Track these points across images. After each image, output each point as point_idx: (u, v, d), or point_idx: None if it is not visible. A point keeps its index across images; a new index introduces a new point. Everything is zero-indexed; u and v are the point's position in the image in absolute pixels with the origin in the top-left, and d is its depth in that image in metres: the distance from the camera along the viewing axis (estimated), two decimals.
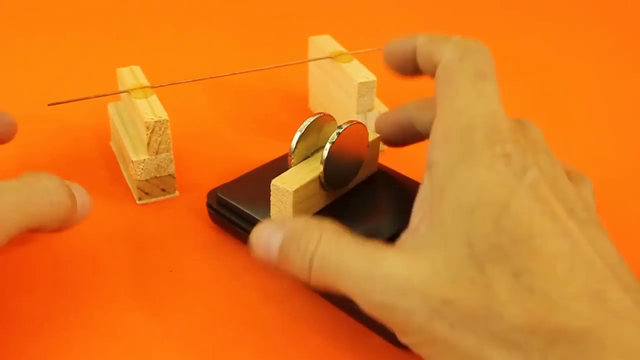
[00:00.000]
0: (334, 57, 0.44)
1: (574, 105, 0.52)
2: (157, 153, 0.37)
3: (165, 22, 0.65)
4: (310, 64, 0.47)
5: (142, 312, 0.32)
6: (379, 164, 0.37)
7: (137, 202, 0.39)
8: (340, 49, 0.45)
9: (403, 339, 0.25)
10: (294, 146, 0.32)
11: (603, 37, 0.65)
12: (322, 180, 0.32)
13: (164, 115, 0.37)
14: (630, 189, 0.42)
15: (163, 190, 0.39)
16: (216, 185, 0.36)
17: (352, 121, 0.33)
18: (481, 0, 0.72)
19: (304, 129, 0.32)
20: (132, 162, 0.37)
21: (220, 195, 0.35)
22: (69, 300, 0.32)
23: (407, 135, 0.34)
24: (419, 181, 0.29)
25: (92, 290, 0.33)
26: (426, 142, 0.28)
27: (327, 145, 0.32)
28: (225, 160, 0.43)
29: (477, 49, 0.28)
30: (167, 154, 0.38)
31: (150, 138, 0.37)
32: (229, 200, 0.35)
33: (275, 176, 0.32)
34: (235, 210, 0.35)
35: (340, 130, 0.32)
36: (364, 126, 0.33)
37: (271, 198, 0.32)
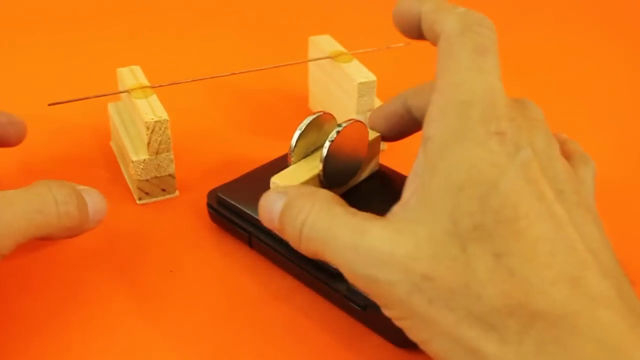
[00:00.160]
0: (334, 57, 0.44)
1: (574, 105, 0.52)
2: (157, 153, 0.37)
3: (165, 22, 0.65)
4: (310, 64, 0.47)
5: (142, 312, 0.32)
6: (380, 163, 0.37)
7: (137, 202, 0.39)
8: (340, 49, 0.45)
9: (385, 311, 0.25)
10: (293, 144, 0.32)
11: (603, 37, 0.65)
12: (322, 178, 0.32)
13: (164, 115, 0.37)
14: (631, 189, 0.42)
15: (163, 190, 0.39)
16: (216, 185, 0.36)
17: (352, 120, 0.33)
18: (481, 0, 0.72)
19: (304, 127, 0.32)
20: (132, 162, 0.37)
21: (220, 195, 0.35)
22: (69, 300, 0.32)
23: (405, 124, 0.34)
24: None
25: (92, 290, 0.33)
26: None
27: (327, 144, 0.32)
28: (225, 160, 0.43)
29: (481, 23, 0.27)
30: (167, 154, 0.38)
31: (150, 138, 0.37)
32: (229, 200, 0.35)
33: None
34: (235, 210, 0.35)
35: (340, 129, 0.32)
36: (364, 125, 0.33)
37: None
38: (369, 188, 0.36)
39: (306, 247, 0.27)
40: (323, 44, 0.45)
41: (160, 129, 0.37)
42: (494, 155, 0.24)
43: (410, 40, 0.31)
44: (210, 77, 0.42)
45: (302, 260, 0.31)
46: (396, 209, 0.26)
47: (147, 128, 0.36)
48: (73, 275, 0.33)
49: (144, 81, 0.40)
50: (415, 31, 0.30)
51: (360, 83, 0.41)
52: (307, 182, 0.32)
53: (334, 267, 0.26)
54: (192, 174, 0.41)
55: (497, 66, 0.26)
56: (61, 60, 0.57)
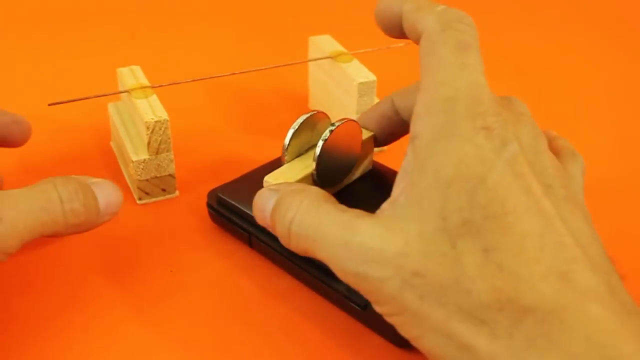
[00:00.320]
0: (334, 57, 0.44)
1: (573, 105, 0.52)
2: (157, 153, 0.37)
3: (165, 22, 0.65)
4: (310, 64, 0.47)
5: (141, 312, 0.32)
6: (374, 161, 0.37)
7: (137, 202, 0.39)
8: (340, 49, 0.45)
9: (377, 307, 0.25)
10: (287, 143, 0.32)
11: (603, 37, 0.65)
12: (315, 177, 0.32)
13: (164, 115, 0.37)
14: (630, 189, 0.42)
15: (163, 190, 0.39)
16: (216, 185, 0.36)
17: (345, 119, 0.33)
18: (481, 0, 0.72)
19: (297, 126, 0.32)
20: (133, 162, 0.37)
21: (220, 195, 0.35)
22: (69, 300, 0.32)
23: (394, 126, 0.34)
24: None
25: (91, 290, 0.33)
26: None
27: (320, 143, 0.32)
28: (226, 160, 0.43)
29: (461, 20, 0.27)
30: (167, 153, 0.38)
31: (150, 138, 0.37)
32: (229, 200, 0.35)
33: None
34: (235, 210, 0.35)
35: (333, 128, 0.32)
36: (358, 124, 0.33)
37: None
38: (363, 186, 0.35)
39: (296, 245, 0.27)
40: (323, 44, 0.45)
41: (160, 129, 0.37)
42: (481, 150, 0.24)
43: (410, 40, 0.31)
44: (210, 77, 0.42)
45: (301, 260, 0.31)
46: (385, 206, 0.26)
47: (147, 128, 0.36)
48: (73, 275, 0.33)
49: (144, 81, 0.40)
50: (397, 30, 0.30)
51: (360, 83, 0.41)
52: (300, 181, 0.32)
53: (324, 263, 0.26)
54: (192, 174, 0.41)
55: (480, 62, 0.27)
56: (61, 60, 0.57)
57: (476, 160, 0.24)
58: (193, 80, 0.41)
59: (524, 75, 0.56)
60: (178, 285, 0.33)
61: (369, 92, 0.42)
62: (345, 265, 0.25)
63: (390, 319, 0.25)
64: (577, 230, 0.24)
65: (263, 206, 0.29)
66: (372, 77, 0.42)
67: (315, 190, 0.28)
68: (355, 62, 0.43)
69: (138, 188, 0.38)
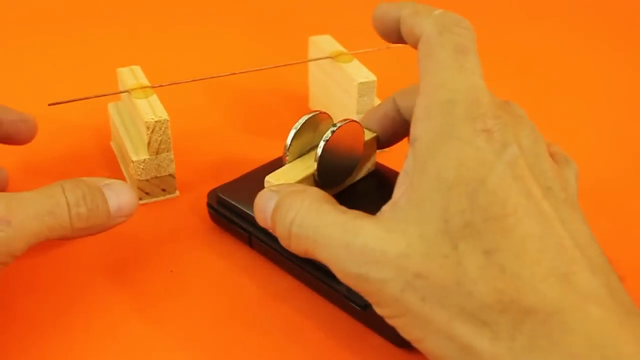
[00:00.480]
0: (334, 57, 0.44)
1: (573, 107, 0.52)
2: (157, 153, 0.37)
3: (165, 22, 0.65)
4: (311, 64, 0.47)
5: (142, 312, 0.32)
6: (377, 162, 0.37)
7: (138, 202, 0.39)
8: (340, 49, 0.45)
9: (378, 309, 0.25)
10: (288, 143, 0.32)
11: (603, 37, 0.65)
12: (316, 177, 0.32)
13: (164, 115, 0.37)
14: (630, 190, 0.42)
15: (163, 190, 0.39)
16: (216, 185, 0.36)
17: (347, 119, 0.33)
18: (481, 0, 0.72)
19: (299, 126, 0.32)
20: (133, 162, 0.37)
21: (220, 195, 0.35)
22: (69, 301, 0.32)
23: (397, 126, 0.34)
24: None
25: (92, 290, 0.33)
26: None
27: (321, 143, 0.32)
28: (226, 160, 0.43)
29: (458, 23, 0.27)
30: (167, 153, 0.38)
31: (150, 138, 0.37)
32: (229, 200, 0.35)
33: None
34: (235, 210, 0.35)
35: (335, 128, 0.32)
36: (360, 125, 0.33)
37: None
38: (365, 187, 0.35)
39: (296, 246, 0.27)
40: (323, 44, 0.45)
41: (161, 129, 0.37)
42: (481, 152, 0.24)
43: None
44: (210, 77, 0.42)
45: (301, 260, 0.31)
46: (386, 208, 0.26)
47: (148, 128, 0.36)
48: (73, 275, 0.33)
49: (144, 81, 0.40)
50: (395, 35, 0.30)
51: (361, 83, 0.41)
52: (301, 182, 0.32)
53: (324, 264, 0.26)
54: (192, 174, 0.41)
55: (478, 64, 0.27)
56: (61, 60, 0.57)
57: (476, 163, 0.24)
58: (193, 80, 0.41)
59: (523, 78, 0.56)
60: (178, 285, 0.33)
61: (369, 92, 0.42)
62: (346, 267, 0.25)
63: (391, 321, 0.25)
64: (576, 232, 0.25)
65: (264, 207, 0.29)
66: (372, 77, 0.42)
67: (316, 191, 0.28)
68: (356, 62, 0.43)
69: (138, 188, 0.38)
